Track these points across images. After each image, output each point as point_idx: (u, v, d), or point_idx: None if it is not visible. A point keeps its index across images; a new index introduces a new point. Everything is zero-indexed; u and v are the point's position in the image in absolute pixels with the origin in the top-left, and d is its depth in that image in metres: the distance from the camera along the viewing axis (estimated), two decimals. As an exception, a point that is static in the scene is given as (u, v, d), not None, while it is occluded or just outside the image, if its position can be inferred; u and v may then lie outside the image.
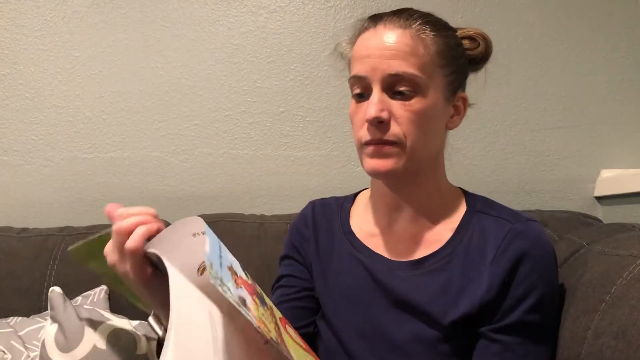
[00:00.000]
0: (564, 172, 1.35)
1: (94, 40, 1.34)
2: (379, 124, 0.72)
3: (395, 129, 0.72)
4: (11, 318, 1.01)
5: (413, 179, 0.78)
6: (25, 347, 0.93)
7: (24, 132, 1.34)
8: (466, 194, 0.83)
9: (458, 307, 0.73)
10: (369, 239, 0.83)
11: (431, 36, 0.73)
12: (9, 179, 1.34)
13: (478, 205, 0.80)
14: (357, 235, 0.85)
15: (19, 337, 0.95)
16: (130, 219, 0.61)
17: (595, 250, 0.80)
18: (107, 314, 0.97)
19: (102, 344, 0.92)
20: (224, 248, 0.58)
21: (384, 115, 0.72)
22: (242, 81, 1.34)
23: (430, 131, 0.75)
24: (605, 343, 0.64)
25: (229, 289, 0.52)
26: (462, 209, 0.80)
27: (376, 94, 0.72)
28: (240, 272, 0.59)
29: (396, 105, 0.72)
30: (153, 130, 1.35)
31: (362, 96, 0.75)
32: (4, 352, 0.93)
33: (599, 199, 1.34)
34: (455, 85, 0.77)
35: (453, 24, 0.79)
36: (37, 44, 1.34)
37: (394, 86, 0.72)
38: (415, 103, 0.72)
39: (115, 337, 0.94)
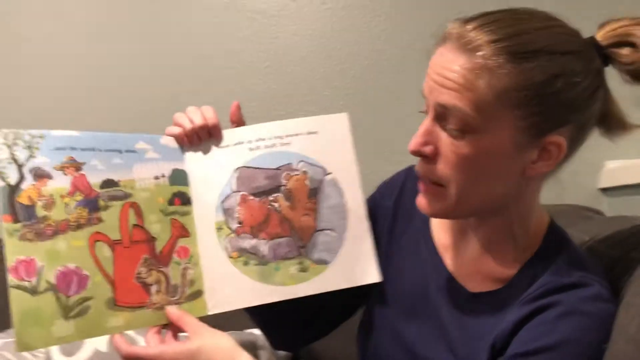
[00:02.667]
0: (566, 164, 1.32)
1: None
2: (424, 158, 0.64)
3: (441, 169, 0.62)
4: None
5: (476, 217, 0.70)
6: (32, 354, 0.97)
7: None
8: (549, 232, 0.70)
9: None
10: (441, 240, 0.76)
11: (504, 70, 0.58)
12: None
13: (551, 251, 0.68)
14: (433, 230, 0.76)
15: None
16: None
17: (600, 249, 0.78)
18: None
19: (103, 347, 0.97)
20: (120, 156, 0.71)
21: (426, 150, 0.63)
22: (238, 85, 1.34)
23: (487, 178, 0.63)
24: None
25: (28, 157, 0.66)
26: (534, 248, 0.69)
27: (426, 122, 0.63)
28: (95, 179, 0.68)
29: (446, 142, 0.61)
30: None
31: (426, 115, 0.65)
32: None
33: (604, 190, 1.32)
34: (541, 128, 0.61)
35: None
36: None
37: (445, 118, 0.61)
38: (465, 145, 0.60)
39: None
